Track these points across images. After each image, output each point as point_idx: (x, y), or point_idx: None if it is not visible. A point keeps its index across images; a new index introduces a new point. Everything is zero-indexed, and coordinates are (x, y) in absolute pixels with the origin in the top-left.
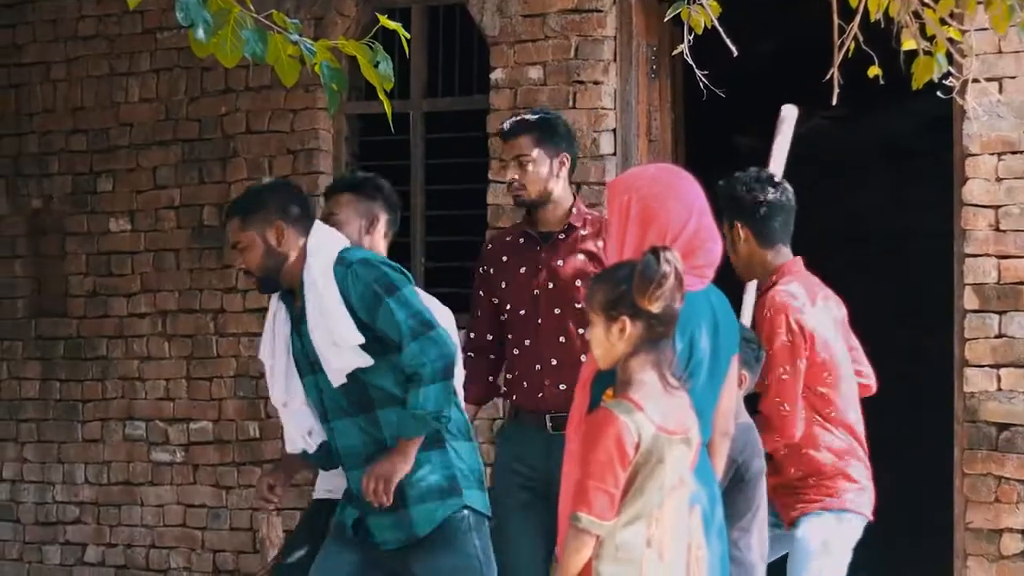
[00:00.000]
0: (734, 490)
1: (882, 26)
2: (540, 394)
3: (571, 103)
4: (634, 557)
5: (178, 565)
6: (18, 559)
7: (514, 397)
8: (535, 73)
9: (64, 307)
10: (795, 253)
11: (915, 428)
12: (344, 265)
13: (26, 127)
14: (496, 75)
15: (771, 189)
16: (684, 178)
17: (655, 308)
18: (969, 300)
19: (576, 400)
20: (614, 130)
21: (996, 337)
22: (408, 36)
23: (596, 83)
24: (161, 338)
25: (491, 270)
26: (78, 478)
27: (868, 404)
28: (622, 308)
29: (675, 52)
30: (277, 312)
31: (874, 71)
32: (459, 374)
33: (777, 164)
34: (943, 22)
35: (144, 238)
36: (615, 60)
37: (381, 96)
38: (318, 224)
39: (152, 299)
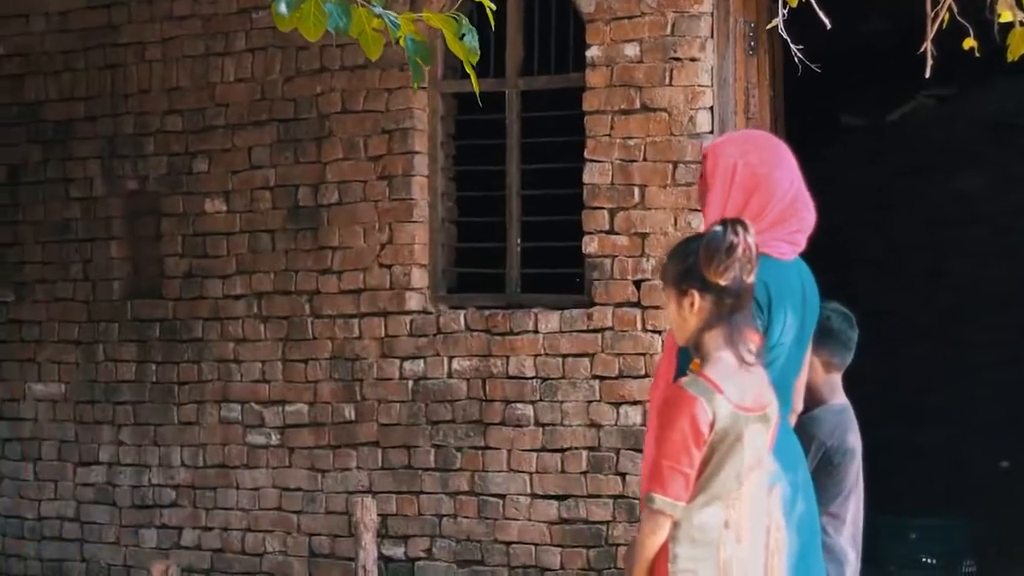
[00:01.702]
0: (822, 474)
1: None
2: None
3: (667, 80)
4: (711, 539)
5: (274, 549)
6: (115, 542)
7: None
8: (631, 50)
9: (160, 289)
10: (899, 239)
11: None
12: None
13: (121, 108)
14: (592, 52)
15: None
16: (786, 147)
17: (723, 281)
18: None
19: (661, 366)
20: (711, 108)
21: None
22: (493, 7)
23: (693, 60)
24: (256, 320)
25: None
26: (174, 461)
27: (985, 384)
28: (691, 282)
29: (769, 26)
30: None
31: (969, 43)
32: None
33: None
34: None
35: (240, 219)
36: (712, 36)
37: (468, 69)
38: None
39: (247, 280)
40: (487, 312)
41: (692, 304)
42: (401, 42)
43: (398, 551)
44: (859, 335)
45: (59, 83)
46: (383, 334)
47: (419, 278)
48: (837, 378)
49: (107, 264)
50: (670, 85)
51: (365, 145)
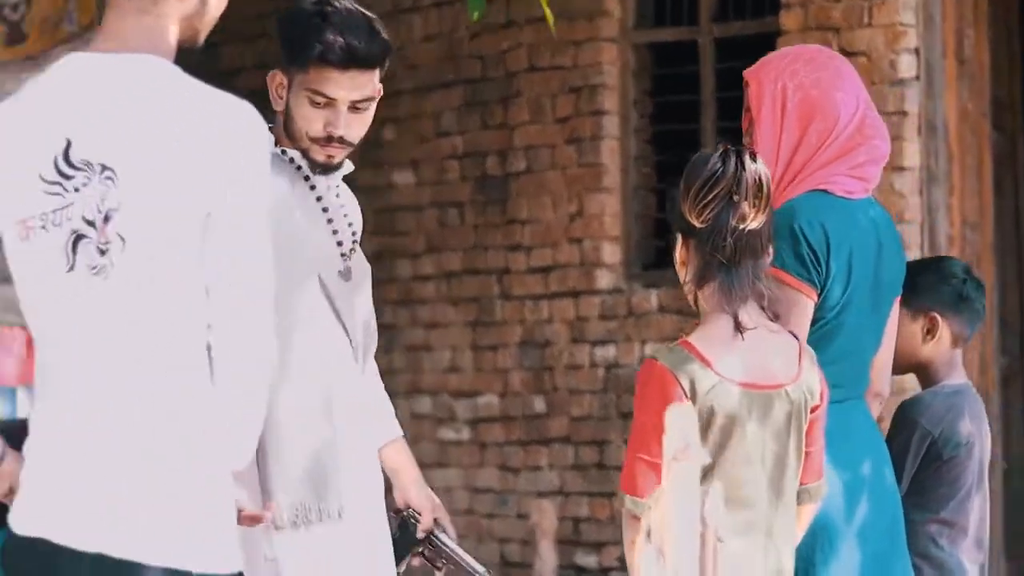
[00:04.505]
0: (929, 471)
1: None
2: None
3: (866, 20)
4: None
5: None
6: None
7: None
8: None
9: (386, 272)
10: None
11: None
12: None
13: None
14: None
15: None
16: (845, 62)
17: (698, 222)
18: None
19: None
20: (916, 50)
21: None
22: None
23: None
24: (446, 303)
25: None
26: None
27: None
28: (677, 223)
29: None
30: None
31: None
32: None
33: None
34: None
35: (428, 192)
36: None
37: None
38: None
39: (437, 260)
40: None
41: (678, 251)
42: None
43: (590, 560)
44: None
45: (254, 50)
46: (573, 316)
47: (610, 253)
48: (959, 354)
49: None
50: (869, 26)
51: (553, 106)
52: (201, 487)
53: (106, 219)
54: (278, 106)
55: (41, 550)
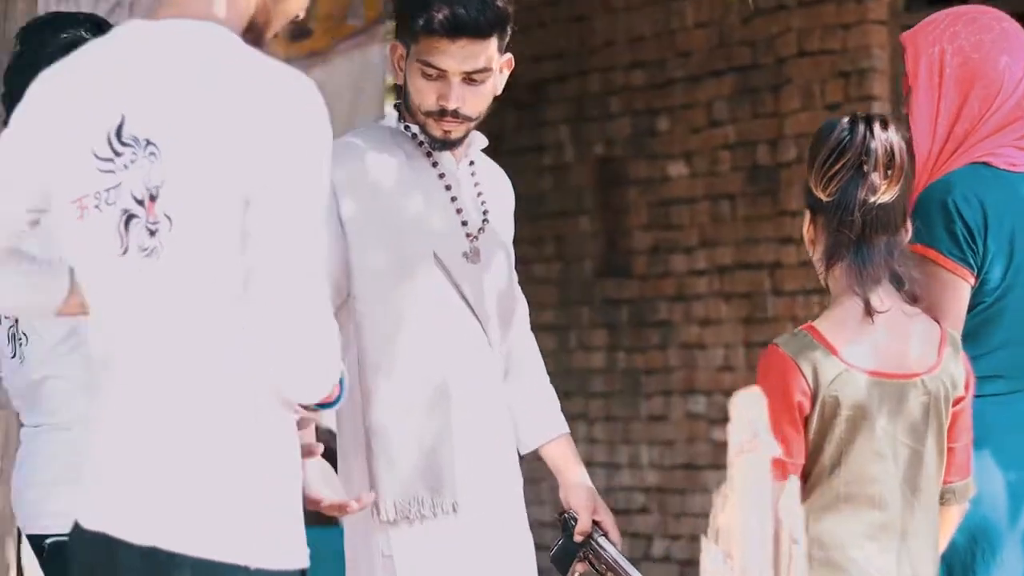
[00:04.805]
0: None
1: None
2: None
3: None
4: (841, 561)
5: None
6: None
7: None
8: None
9: (628, 266)
10: None
11: None
12: None
13: (588, 64)
14: None
15: None
16: (1014, 23)
17: (824, 195)
18: None
19: None
20: None
21: None
22: None
23: None
24: (719, 298)
25: None
26: (643, 460)
27: None
28: (805, 196)
29: None
30: None
31: None
32: None
33: None
34: None
35: (701, 183)
36: None
37: None
38: None
39: (710, 254)
40: None
41: (806, 228)
42: None
43: None
44: None
45: (532, 40)
46: None
47: None
48: None
49: (579, 239)
50: None
51: (822, 92)
52: (257, 478)
53: (152, 198)
54: (399, 79)
55: (100, 543)
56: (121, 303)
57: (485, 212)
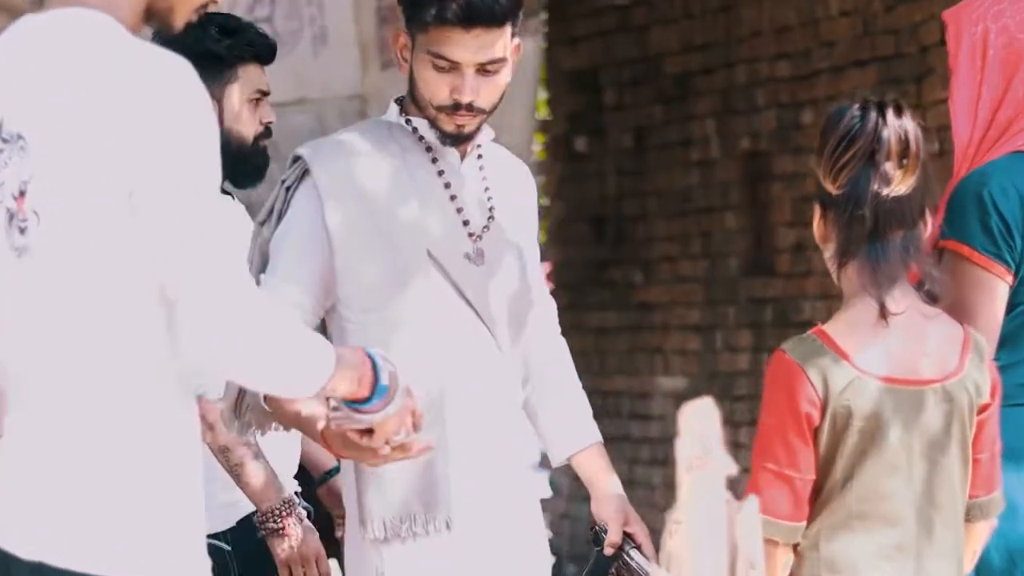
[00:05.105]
0: None
1: None
2: None
3: None
4: None
5: None
6: None
7: None
8: None
9: (773, 263)
10: None
11: None
12: None
13: (734, 56)
14: None
15: None
16: None
17: (835, 188)
18: None
19: None
20: None
21: None
22: None
23: None
24: None
25: None
26: None
27: None
28: (818, 192)
29: None
30: None
31: None
32: None
33: None
34: None
35: None
36: None
37: None
38: None
39: None
40: None
41: (816, 224)
42: None
43: None
44: None
45: (679, 31)
46: None
47: None
48: None
49: (725, 237)
50: None
51: None
52: (149, 491)
53: (22, 193)
54: (403, 70)
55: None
56: (4, 306)
57: (491, 210)
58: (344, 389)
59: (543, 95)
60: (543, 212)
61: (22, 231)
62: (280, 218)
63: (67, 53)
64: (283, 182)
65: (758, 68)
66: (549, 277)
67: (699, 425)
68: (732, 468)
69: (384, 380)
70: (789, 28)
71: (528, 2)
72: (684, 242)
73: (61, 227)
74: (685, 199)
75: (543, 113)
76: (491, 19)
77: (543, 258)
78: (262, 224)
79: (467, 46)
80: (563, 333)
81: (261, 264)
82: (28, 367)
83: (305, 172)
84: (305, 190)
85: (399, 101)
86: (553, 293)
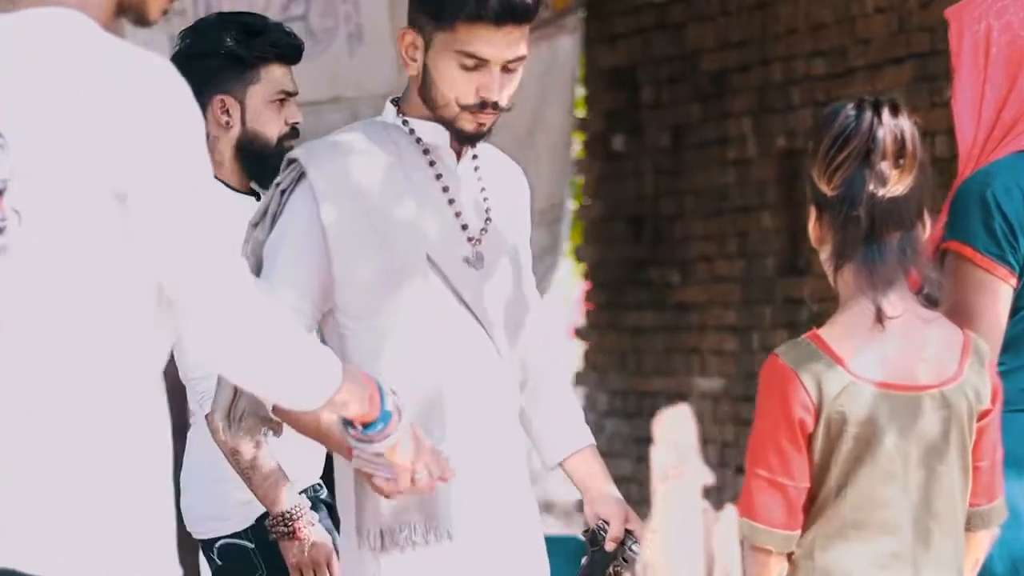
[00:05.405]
0: None
1: None
2: None
3: None
4: None
5: None
6: None
7: None
8: None
9: (809, 263)
10: None
11: None
12: None
13: (770, 53)
14: None
15: None
16: None
17: (830, 189)
18: None
19: None
20: None
21: None
22: None
23: None
24: None
25: None
26: None
27: None
28: (809, 191)
29: None
30: None
31: None
32: None
33: None
34: None
35: None
36: None
37: None
38: None
39: None
40: None
41: (811, 226)
42: None
43: None
44: None
45: (716, 29)
46: None
47: None
48: None
49: (761, 236)
50: None
51: None
52: (119, 496)
53: (1, 192)
54: (411, 70)
55: None
56: None
57: (488, 211)
58: (356, 408)
59: (581, 92)
60: (581, 212)
61: (1, 230)
62: (274, 221)
63: (45, 53)
64: (277, 184)
65: (794, 66)
66: (587, 296)
67: (675, 434)
68: (708, 477)
69: (388, 406)
70: (825, 25)
71: (566, 2)
72: (720, 241)
73: (42, 226)
74: (721, 198)
75: (581, 111)
76: (524, 15)
77: (579, 259)
78: (255, 226)
79: (497, 44)
80: (600, 332)
81: (255, 267)
82: (4, 367)
83: (301, 175)
84: (301, 192)
85: (395, 102)
86: (590, 292)
